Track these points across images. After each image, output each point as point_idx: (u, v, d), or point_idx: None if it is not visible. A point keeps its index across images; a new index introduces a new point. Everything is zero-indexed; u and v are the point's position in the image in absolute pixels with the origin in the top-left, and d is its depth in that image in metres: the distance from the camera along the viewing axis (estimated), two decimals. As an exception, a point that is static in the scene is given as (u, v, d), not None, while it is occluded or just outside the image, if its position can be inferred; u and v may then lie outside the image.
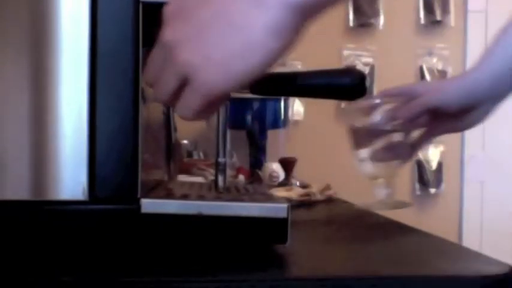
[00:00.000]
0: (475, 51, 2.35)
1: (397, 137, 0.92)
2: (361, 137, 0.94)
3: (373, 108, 0.92)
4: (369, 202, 0.95)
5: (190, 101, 0.51)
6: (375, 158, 0.92)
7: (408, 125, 0.89)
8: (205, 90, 0.50)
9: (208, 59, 0.49)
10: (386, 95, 0.94)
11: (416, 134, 0.93)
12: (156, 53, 0.54)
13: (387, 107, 0.91)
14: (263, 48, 0.47)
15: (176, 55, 0.50)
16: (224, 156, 0.71)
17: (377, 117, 0.91)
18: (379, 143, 0.92)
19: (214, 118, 0.70)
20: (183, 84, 0.51)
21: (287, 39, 0.48)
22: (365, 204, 0.97)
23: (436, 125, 0.90)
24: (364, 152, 0.93)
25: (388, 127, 0.90)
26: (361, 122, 0.94)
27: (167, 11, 0.53)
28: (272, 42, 0.47)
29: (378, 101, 0.93)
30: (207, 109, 0.52)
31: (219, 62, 0.48)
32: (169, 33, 0.51)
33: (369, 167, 0.93)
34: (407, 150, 0.93)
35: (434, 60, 2.28)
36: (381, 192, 0.92)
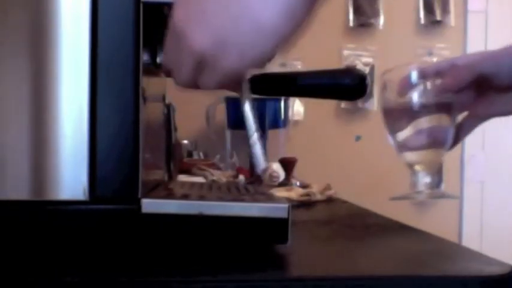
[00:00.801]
0: (475, 51, 2.35)
1: (438, 120, 0.81)
2: (397, 118, 0.81)
3: (409, 88, 0.80)
4: (408, 192, 0.85)
5: (209, 81, 0.54)
6: (414, 143, 0.80)
7: (453, 95, 0.77)
8: (222, 72, 0.52)
9: (222, 43, 0.50)
10: (424, 73, 0.80)
11: (460, 118, 0.84)
12: (169, 39, 0.56)
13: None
14: (275, 30, 0.48)
15: (190, 40, 0.51)
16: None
17: (414, 96, 0.79)
18: (419, 126, 0.80)
19: (214, 118, 0.70)
20: (201, 66, 0.53)
21: (299, 20, 0.48)
22: (403, 195, 0.87)
23: (482, 103, 0.80)
24: (402, 135, 0.81)
25: (428, 106, 0.79)
26: (396, 102, 0.81)
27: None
28: (284, 24, 0.47)
29: (414, 80, 0.80)
30: (227, 85, 0.55)
31: (232, 45, 0.49)
32: (179, 14, 0.52)
33: (409, 154, 0.82)
34: (449, 135, 0.82)
35: (434, 60, 2.28)
36: (421, 181, 0.82)
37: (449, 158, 2.72)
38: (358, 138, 2.28)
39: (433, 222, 2.23)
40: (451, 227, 2.41)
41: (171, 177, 1.01)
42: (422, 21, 2.29)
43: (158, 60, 0.74)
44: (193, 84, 0.56)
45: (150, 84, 0.72)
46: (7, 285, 0.54)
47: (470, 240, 2.36)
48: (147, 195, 0.65)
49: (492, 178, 2.37)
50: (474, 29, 2.34)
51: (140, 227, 0.63)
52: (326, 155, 2.22)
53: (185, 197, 0.68)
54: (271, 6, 0.47)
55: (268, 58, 0.50)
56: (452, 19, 2.32)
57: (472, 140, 2.41)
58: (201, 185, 0.91)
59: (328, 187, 1.30)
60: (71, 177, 0.62)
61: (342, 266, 0.65)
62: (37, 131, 0.62)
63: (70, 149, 0.62)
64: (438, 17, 2.29)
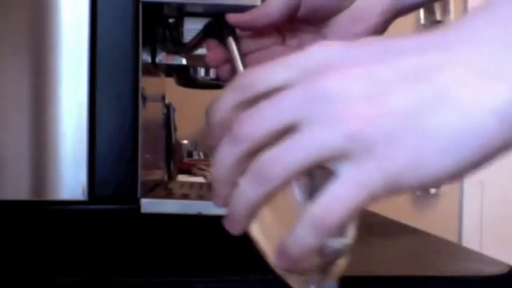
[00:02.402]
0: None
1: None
2: None
3: None
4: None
5: (341, 195, 0.32)
6: None
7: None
8: (379, 182, 0.32)
9: (397, 142, 0.31)
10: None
11: None
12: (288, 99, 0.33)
13: None
14: (483, 138, 0.31)
15: (345, 118, 0.31)
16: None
17: None
18: None
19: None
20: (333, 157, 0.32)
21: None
22: None
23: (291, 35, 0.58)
24: None
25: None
26: None
27: (326, 59, 0.33)
28: (504, 134, 0.31)
29: None
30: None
31: (414, 148, 0.31)
32: (336, 80, 0.32)
33: None
34: None
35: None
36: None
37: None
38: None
39: (433, 222, 2.23)
40: (451, 227, 2.41)
41: (170, 177, 1.01)
42: (422, 21, 2.29)
43: (157, 60, 0.74)
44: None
45: (150, 84, 0.72)
46: (7, 285, 0.54)
47: (470, 240, 2.36)
48: (146, 195, 0.65)
49: (492, 178, 2.37)
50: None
51: (139, 226, 0.63)
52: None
53: (185, 197, 0.68)
54: (487, 106, 0.30)
55: (450, 181, 0.32)
56: (452, 19, 2.32)
57: (472, 140, 2.41)
58: (201, 185, 0.91)
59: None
60: (70, 177, 0.62)
61: (342, 266, 0.65)
62: (37, 131, 0.62)
63: (70, 149, 0.62)
64: (438, 17, 2.29)
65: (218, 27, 0.60)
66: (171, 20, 0.69)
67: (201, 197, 0.67)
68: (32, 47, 0.62)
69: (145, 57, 0.68)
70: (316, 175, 0.34)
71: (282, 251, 0.34)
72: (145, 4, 0.63)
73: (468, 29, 0.33)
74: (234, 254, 0.64)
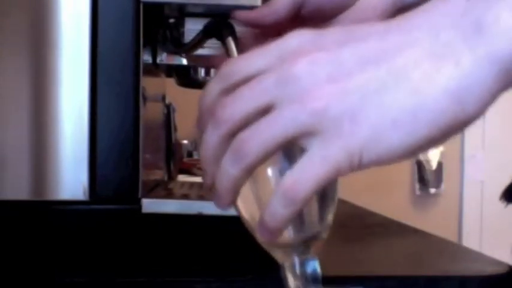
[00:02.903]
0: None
1: None
2: None
3: None
4: None
5: (309, 169, 0.35)
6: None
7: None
8: (343, 156, 0.34)
9: (358, 118, 0.35)
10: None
11: None
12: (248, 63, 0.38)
13: None
14: (435, 115, 0.34)
15: (311, 97, 0.35)
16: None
17: None
18: None
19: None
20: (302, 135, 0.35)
21: (478, 107, 0.34)
22: None
23: None
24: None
25: None
26: None
27: (297, 45, 0.37)
28: (455, 111, 0.34)
29: None
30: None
31: (373, 124, 0.34)
32: (304, 64, 0.36)
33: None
34: None
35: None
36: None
37: (449, 158, 2.72)
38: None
39: (433, 222, 2.23)
40: (451, 227, 2.41)
41: (171, 177, 1.01)
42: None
43: (158, 60, 0.74)
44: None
45: (150, 84, 0.72)
46: (7, 285, 0.54)
47: (470, 240, 2.36)
48: (147, 195, 0.65)
49: (492, 178, 2.37)
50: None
51: (140, 226, 0.63)
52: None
53: (185, 197, 0.68)
54: (440, 86, 0.34)
55: (412, 152, 0.35)
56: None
57: (472, 140, 2.41)
58: (201, 185, 0.91)
59: (328, 187, 1.30)
60: (71, 177, 0.62)
61: (342, 265, 0.65)
62: (37, 131, 0.62)
63: (70, 149, 0.62)
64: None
65: (218, 27, 0.60)
66: (171, 20, 0.69)
67: (201, 197, 0.68)
68: (32, 47, 0.62)
69: (145, 57, 0.68)
70: (296, 156, 0.37)
71: (261, 224, 0.37)
72: (145, 4, 0.63)
73: (423, 15, 0.36)
74: (234, 254, 0.64)
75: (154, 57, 0.74)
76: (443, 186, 2.39)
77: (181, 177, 1.23)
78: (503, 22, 0.33)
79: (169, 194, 0.72)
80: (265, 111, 0.36)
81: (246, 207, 0.41)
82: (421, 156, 2.36)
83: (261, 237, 0.39)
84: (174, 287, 0.55)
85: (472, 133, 2.40)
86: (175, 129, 1.06)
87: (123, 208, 0.63)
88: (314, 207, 0.39)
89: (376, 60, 0.35)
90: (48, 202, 0.62)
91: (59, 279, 0.55)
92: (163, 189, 0.76)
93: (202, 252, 0.64)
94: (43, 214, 0.62)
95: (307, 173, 0.35)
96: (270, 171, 0.39)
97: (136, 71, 0.63)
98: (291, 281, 0.43)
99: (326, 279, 0.44)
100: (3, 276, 0.55)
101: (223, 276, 0.57)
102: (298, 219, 0.38)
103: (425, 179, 2.37)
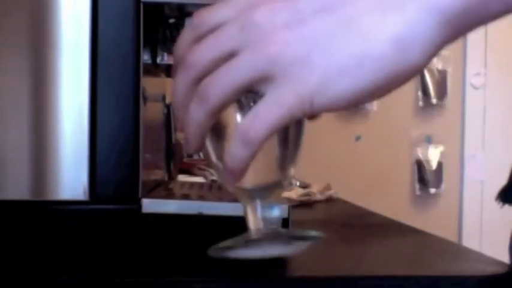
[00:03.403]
0: (475, 51, 2.35)
1: None
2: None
3: None
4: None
5: (263, 113, 0.37)
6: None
7: None
8: (295, 101, 0.36)
9: (309, 64, 0.36)
10: None
11: None
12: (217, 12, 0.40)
13: None
14: (380, 62, 0.36)
15: (267, 43, 0.37)
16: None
17: None
18: None
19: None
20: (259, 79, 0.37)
21: (420, 57, 0.36)
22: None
23: None
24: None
25: None
26: None
27: None
28: (398, 59, 0.36)
29: None
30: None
31: (323, 69, 0.36)
32: (263, 12, 0.38)
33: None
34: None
35: (434, 60, 2.28)
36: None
37: (449, 158, 2.71)
38: (358, 138, 2.28)
39: (433, 222, 2.23)
40: (451, 227, 2.41)
41: (171, 177, 1.01)
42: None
43: (158, 60, 0.74)
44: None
45: (151, 84, 0.72)
46: (7, 284, 0.54)
47: (470, 240, 2.36)
48: (147, 195, 0.65)
49: (492, 178, 2.37)
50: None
51: (140, 226, 0.63)
52: (326, 155, 2.22)
53: (185, 197, 0.68)
54: (385, 34, 0.36)
55: (362, 99, 0.37)
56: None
57: (472, 140, 2.41)
58: (201, 185, 0.91)
59: (328, 187, 1.30)
60: (71, 177, 0.62)
61: (342, 265, 0.65)
62: (37, 131, 0.62)
63: (70, 149, 0.62)
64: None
65: None
66: (171, 21, 0.69)
67: (201, 197, 0.68)
68: (32, 47, 0.62)
69: (146, 57, 0.68)
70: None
71: (225, 168, 0.40)
72: (145, 4, 0.63)
73: None
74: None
75: (154, 57, 0.74)
76: (443, 186, 2.39)
77: (181, 177, 1.23)
78: None
79: (169, 194, 0.72)
80: (229, 56, 0.38)
81: (214, 153, 0.43)
82: (421, 156, 2.36)
83: (225, 180, 0.41)
84: (174, 287, 0.55)
85: (472, 133, 2.40)
86: (175, 129, 1.06)
87: (123, 208, 0.63)
88: (274, 155, 0.41)
89: (330, 8, 0.37)
90: (48, 202, 0.62)
91: (59, 279, 0.55)
92: (163, 189, 0.76)
93: (202, 252, 0.64)
94: (43, 214, 0.62)
95: (261, 116, 0.37)
96: (234, 118, 0.40)
97: (136, 71, 0.63)
98: (251, 222, 0.45)
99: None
100: (4, 276, 0.55)
101: (222, 276, 0.57)
102: (260, 165, 0.40)
103: (425, 179, 2.37)
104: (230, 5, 0.40)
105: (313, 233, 0.48)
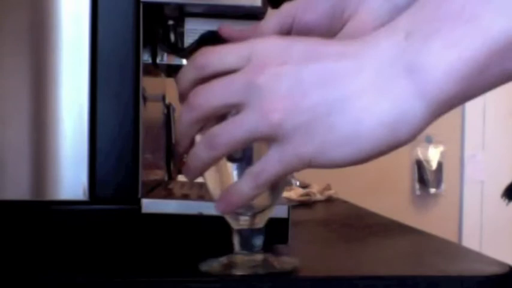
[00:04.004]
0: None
1: None
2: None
3: None
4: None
5: (269, 166, 0.44)
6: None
7: None
8: (296, 160, 0.43)
9: (308, 133, 0.42)
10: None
11: None
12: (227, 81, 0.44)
13: None
14: (372, 141, 0.41)
15: (269, 110, 0.42)
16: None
17: None
18: None
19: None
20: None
21: (408, 136, 0.41)
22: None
23: None
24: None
25: None
26: None
27: (266, 52, 0.43)
28: (386, 136, 0.41)
29: None
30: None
31: (320, 140, 0.42)
32: (267, 77, 0.42)
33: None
34: None
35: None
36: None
37: (449, 158, 2.72)
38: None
39: (433, 222, 2.23)
40: (451, 227, 2.41)
41: (171, 177, 1.01)
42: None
43: (158, 60, 0.74)
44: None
45: (150, 84, 0.72)
46: (7, 285, 0.54)
47: (470, 240, 2.36)
48: (147, 195, 0.65)
49: (492, 178, 2.37)
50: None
51: (140, 227, 0.63)
52: (326, 155, 2.22)
53: (185, 197, 0.68)
54: (376, 115, 0.41)
55: (351, 164, 0.43)
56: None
57: (472, 140, 2.41)
58: (201, 185, 0.91)
59: (328, 187, 1.30)
60: (71, 177, 0.62)
61: (342, 266, 0.65)
62: (37, 131, 0.62)
63: (70, 149, 0.62)
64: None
65: (213, 38, 0.62)
66: (170, 22, 0.69)
67: (201, 197, 0.68)
68: (32, 47, 0.62)
69: (145, 57, 0.68)
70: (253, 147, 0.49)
71: (223, 197, 0.47)
72: (145, 4, 0.63)
73: (373, 46, 0.42)
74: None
75: (154, 57, 0.74)
76: (443, 186, 2.39)
77: (181, 177, 1.23)
78: (432, 67, 0.39)
79: (169, 194, 0.72)
80: (232, 107, 0.44)
81: (210, 180, 0.52)
82: (421, 156, 2.36)
83: (218, 207, 0.48)
84: (174, 287, 0.55)
85: (472, 133, 2.40)
86: (175, 133, 1.06)
87: (123, 208, 0.63)
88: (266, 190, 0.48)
89: (330, 84, 0.41)
90: (48, 202, 0.62)
91: (58, 279, 0.55)
92: (163, 189, 0.76)
93: (202, 252, 0.64)
94: (43, 214, 0.62)
95: (267, 168, 0.44)
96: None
97: (136, 71, 0.63)
98: (236, 243, 0.55)
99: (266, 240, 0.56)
100: (3, 276, 0.55)
101: (223, 276, 0.57)
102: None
103: (425, 179, 2.37)
104: (234, 53, 0.44)
105: (288, 266, 0.57)
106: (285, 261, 0.58)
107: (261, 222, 0.56)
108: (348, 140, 0.41)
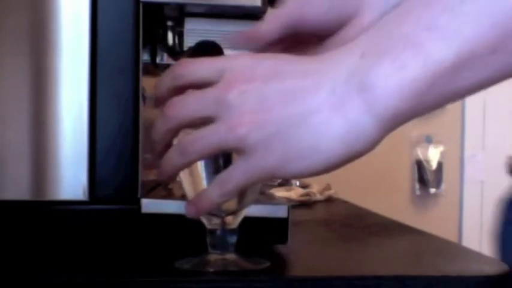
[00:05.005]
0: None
1: None
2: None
3: None
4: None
5: (235, 175, 0.47)
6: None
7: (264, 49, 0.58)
8: (260, 171, 0.46)
9: (270, 147, 0.45)
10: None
11: None
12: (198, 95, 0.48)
13: None
14: (329, 154, 0.44)
15: (237, 124, 0.45)
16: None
17: None
18: None
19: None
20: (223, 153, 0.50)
21: (365, 147, 0.44)
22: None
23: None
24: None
25: None
26: None
27: (236, 69, 0.47)
28: (342, 150, 0.44)
29: None
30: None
31: (281, 153, 0.45)
32: (236, 94, 0.45)
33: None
34: None
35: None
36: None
37: (449, 158, 2.71)
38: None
39: (433, 222, 2.23)
40: (451, 227, 2.41)
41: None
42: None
43: (158, 60, 0.74)
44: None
45: (150, 84, 0.72)
46: (7, 285, 0.54)
47: (470, 240, 2.36)
48: (146, 195, 0.65)
49: (492, 178, 2.37)
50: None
51: (140, 227, 0.63)
52: (326, 155, 2.22)
53: (185, 197, 0.68)
54: (334, 131, 0.44)
55: (310, 175, 0.46)
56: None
57: (472, 140, 2.41)
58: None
59: (328, 187, 1.30)
60: (70, 177, 0.62)
61: (342, 266, 0.65)
62: (37, 131, 0.62)
63: (70, 149, 0.62)
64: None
65: (207, 47, 0.63)
66: (170, 23, 0.69)
67: (201, 197, 0.67)
68: (32, 47, 0.62)
69: (145, 57, 0.69)
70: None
71: (192, 202, 0.51)
72: (145, 4, 0.63)
73: (332, 64, 0.45)
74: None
75: (154, 57, 0.74)
76: (443, 186, 2.39)
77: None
78: (381, 85, 0.42)
79: (169, 194, 0.72)
80: (204, 119, 0.47)
81: (185, 182, 0.56)
82: (421, 156, 2.36)
83: (188, 210, 0.51)
84: (174, 287, 0.55)
85: (472, 133, 2.40)
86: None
87: (122, 208, 0.63)
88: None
89: (290, 100, 0.44)
90: (48, 202, 0.62)
91: (58, 279, 0.55)
92: (163, 189, 0.76)
93: (201, 252, 0.64)
94: (43, 214, 0.62)
95: (232, 177, 0.47)
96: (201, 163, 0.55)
97: (136, 71, 0.63)
98: (209, 242, 0.58)
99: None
100: (3, 276, 0.55)
101: (223, 276, 0.57)
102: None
103: (425, 179, 2.37)
104: (209, 68, 0.48)
105: (260, 266, 0.58)
106: (257, 261, 0.59)
107: (233, 223, 0.58)
108: (307, 153, 0.44)
